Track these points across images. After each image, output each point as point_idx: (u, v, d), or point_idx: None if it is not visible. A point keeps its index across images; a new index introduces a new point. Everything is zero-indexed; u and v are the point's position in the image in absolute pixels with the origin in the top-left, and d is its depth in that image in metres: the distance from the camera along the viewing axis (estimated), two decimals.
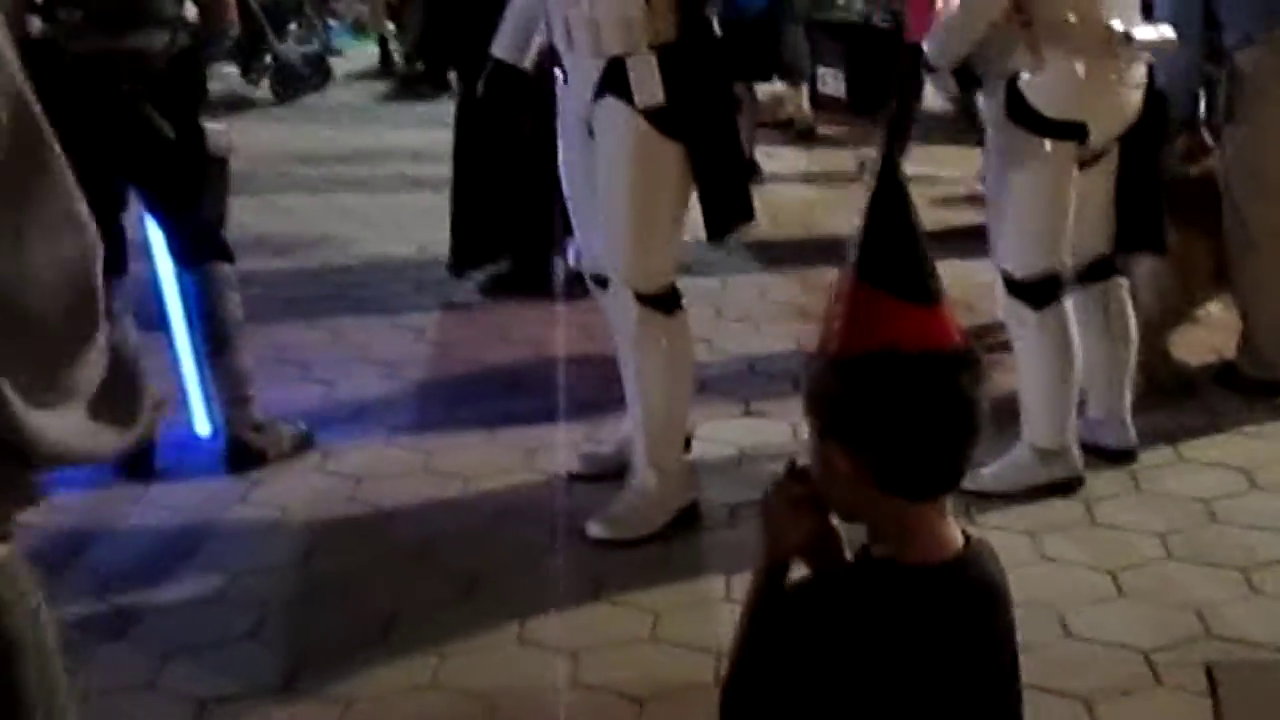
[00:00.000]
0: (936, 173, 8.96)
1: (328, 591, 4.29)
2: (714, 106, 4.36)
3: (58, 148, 1.62)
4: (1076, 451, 4.78)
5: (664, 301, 4.45)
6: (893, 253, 2.03)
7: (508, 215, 6.78)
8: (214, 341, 5.11)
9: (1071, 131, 4.56)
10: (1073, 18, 4.49)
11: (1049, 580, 4.24)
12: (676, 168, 4.32)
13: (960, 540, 2.10)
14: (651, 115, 4.24)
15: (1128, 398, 4.96)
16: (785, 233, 7.95)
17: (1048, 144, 4.57)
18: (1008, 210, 4.68)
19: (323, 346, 6.35)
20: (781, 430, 5.17)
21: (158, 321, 5.18)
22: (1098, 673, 3.76)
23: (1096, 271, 4.90)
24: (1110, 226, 4.88)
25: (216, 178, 5.00)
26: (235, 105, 11.85)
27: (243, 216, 6.50)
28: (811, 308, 6.34)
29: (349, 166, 10.10)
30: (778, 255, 7.50)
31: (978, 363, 2.08)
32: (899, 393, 1.98)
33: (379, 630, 4.03)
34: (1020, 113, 4.56)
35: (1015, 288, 4.69)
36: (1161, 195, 4.91)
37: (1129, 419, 4.96)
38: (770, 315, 6.66)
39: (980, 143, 5.09)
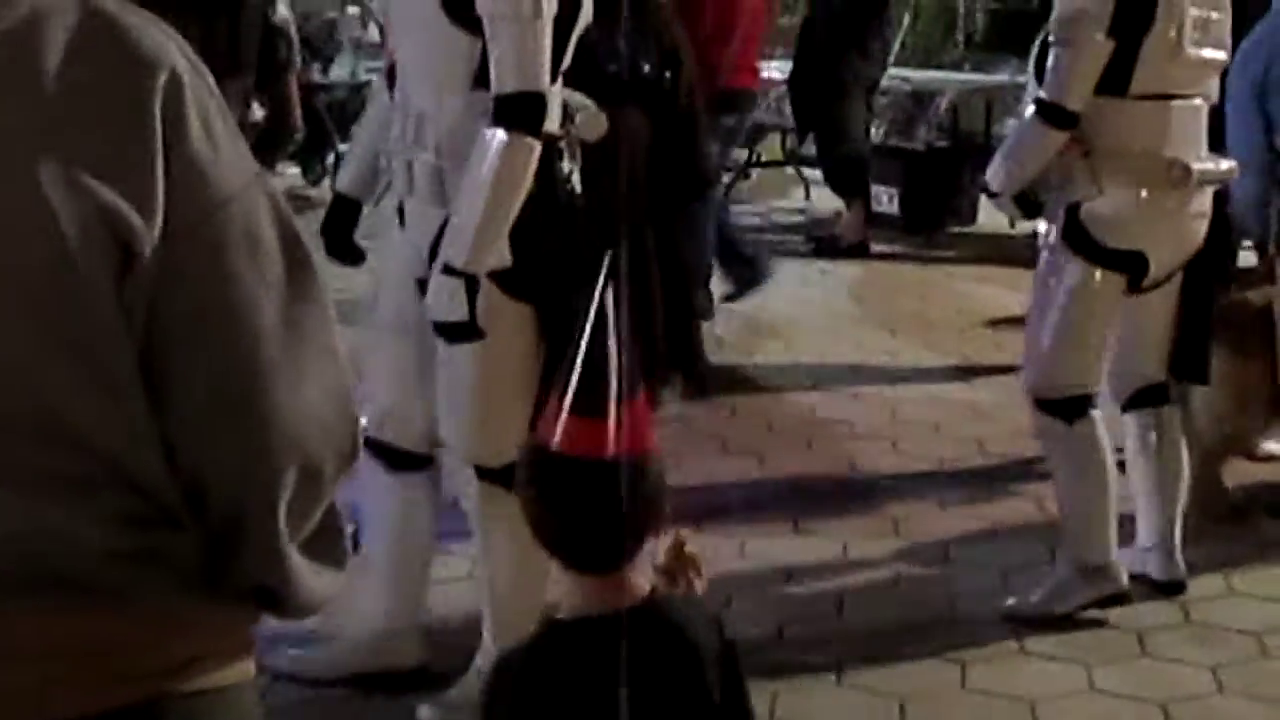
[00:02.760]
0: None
1: None
2: (570, 265, 3.73)
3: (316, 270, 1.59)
4: (1121, 568, 4.73)
5: (508, 476, 3.31)
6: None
7: None
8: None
9: (1130, 262, 4.57)
10: (1136, 147, 4.51)
11: (1098, 712, 4.21)
12: (526, 332, 3.87)
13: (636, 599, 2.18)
14: (497, 276, 3.76)
15: (1178, 528, 4.91)
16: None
17: (1099, 273, 4.57)
18: (1045, 332, 4.68)
19: None
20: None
21: None
22: None
23: (1150, 397, 4.88)
24: (1164, 352, 4.87)
25: None
26: (296, 206, 11.90)
27: None
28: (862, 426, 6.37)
29: None
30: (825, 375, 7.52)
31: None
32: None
33: None
34: (1079, 240, 4.56)
35: (1046, 405, 4.68)
36: (1210, 324, 4.90)
37: (1178, 551, 4.91)
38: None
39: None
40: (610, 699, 2.07)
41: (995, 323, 8.56)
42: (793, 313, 8.34)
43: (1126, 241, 4.56)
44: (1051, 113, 4.50)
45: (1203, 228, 4.69)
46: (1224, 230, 4.80)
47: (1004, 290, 9.31)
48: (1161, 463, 4.89)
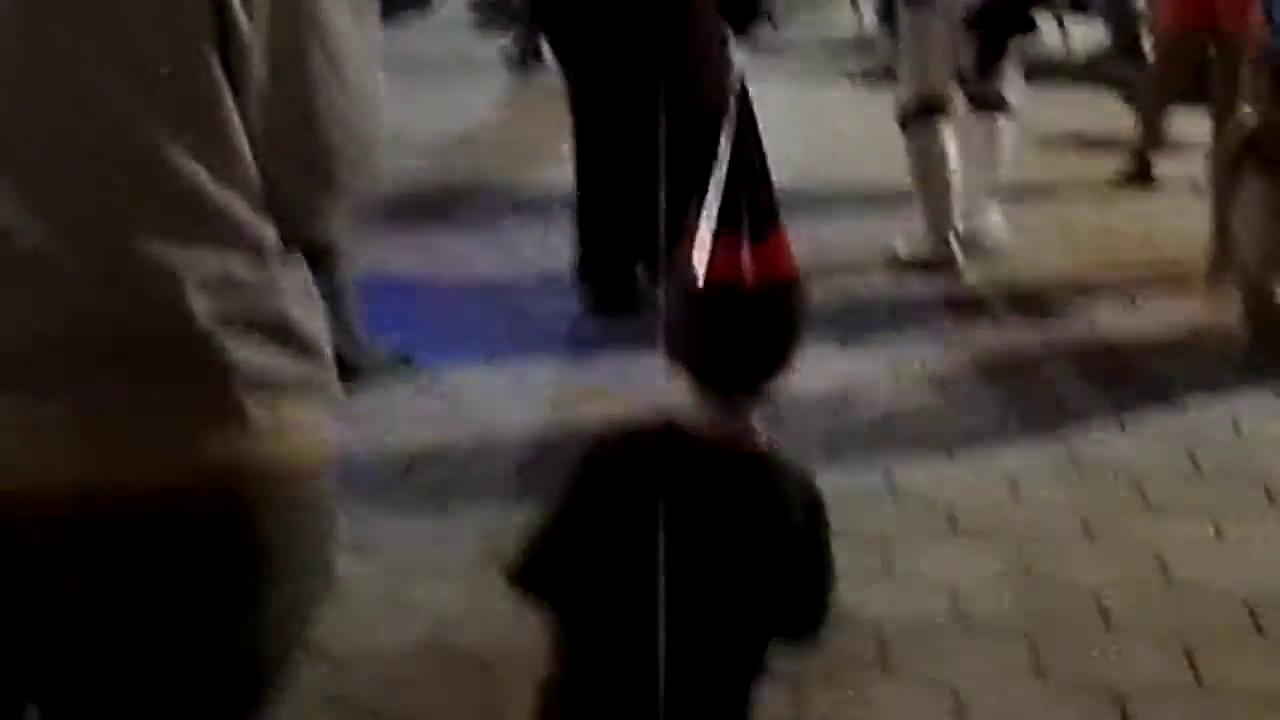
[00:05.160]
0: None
1: (427, 506, 4.31)
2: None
3: None
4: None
5: None
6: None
7: (640, 218, 6.23)
8: (313, 256, 5.11)
9: None
10: None
11: (1151, 525, 4.21)
12: None
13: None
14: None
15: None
16: None
17: None
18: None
19: (420, 264, 6.36)
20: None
21: None
22: (1199, 620, 3.72)
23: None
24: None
25: None
26: None
27: None
28: None
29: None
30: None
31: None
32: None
33: (475, 547, 4.04)
34: None
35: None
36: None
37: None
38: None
39: None
40: (701, 529, 2.12)
41: (1047, 142, 8.45)
42: (840, 136, 8.22)
43: None
44: None
45: None
46: None
47: (1055, 109, 9.19)
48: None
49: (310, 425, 1.69)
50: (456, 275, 6.28)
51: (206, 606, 1.65)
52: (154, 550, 1.59)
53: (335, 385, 1.74)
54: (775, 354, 2.15)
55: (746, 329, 2.10)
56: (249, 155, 1.61)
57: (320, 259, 4.83)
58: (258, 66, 1.59)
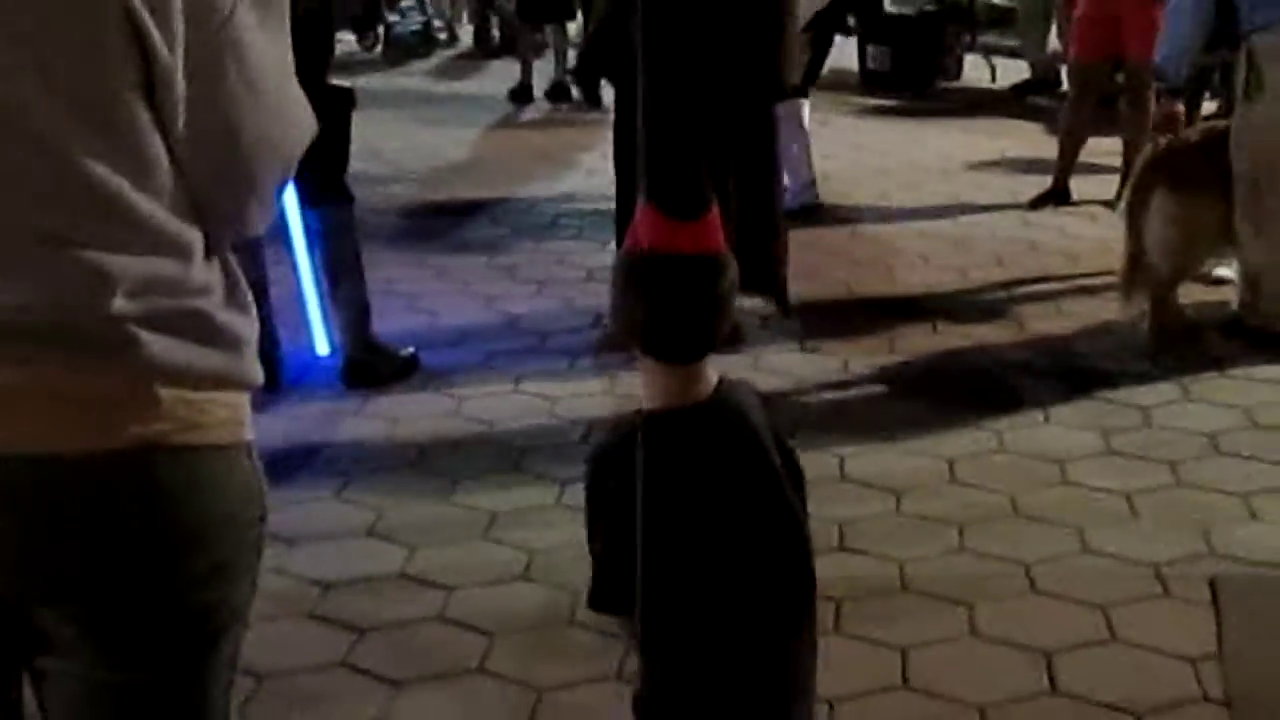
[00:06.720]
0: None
1: (436, 493, 4.31)
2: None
3: None
4: None
5: None
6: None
7: None
8: (334, 274, 5.13)
9: None
10: None
11: (1071, 501, 4.23)
12: None
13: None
14: None
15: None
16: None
17: None
18: None
19: (427, 280, 6.37)
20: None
21: (285, 255, 5.20)
22: (1113, 584, 3.75)
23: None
24: None
25: (341, 127, 4.98)
26: (350, 67, 11.84)
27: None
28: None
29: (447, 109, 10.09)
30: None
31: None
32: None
33: (482, 528, 4.06)
34: None
35: None
36: None
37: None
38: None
39: None
40: (697, 474, 2.09)
41: (976, 166, 8.51)
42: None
43: None
44: None
45: None
46: None
47: (985, 138, 9.28)
48: None
49: (223, 408, 1.67)
50: (457, 289, 6.28)
51: (122, 560, 1.63)
52: (70, 500, 1.58)
53: (253, 373, 1.71)
54: (710, 315, 2.10)
55: (684, 291, 2.06)
56: (168, 166, 1.59)
57: (340, 275, 4.83)
58: (179, 87, 1.56)
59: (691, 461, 2.09)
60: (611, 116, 5.84)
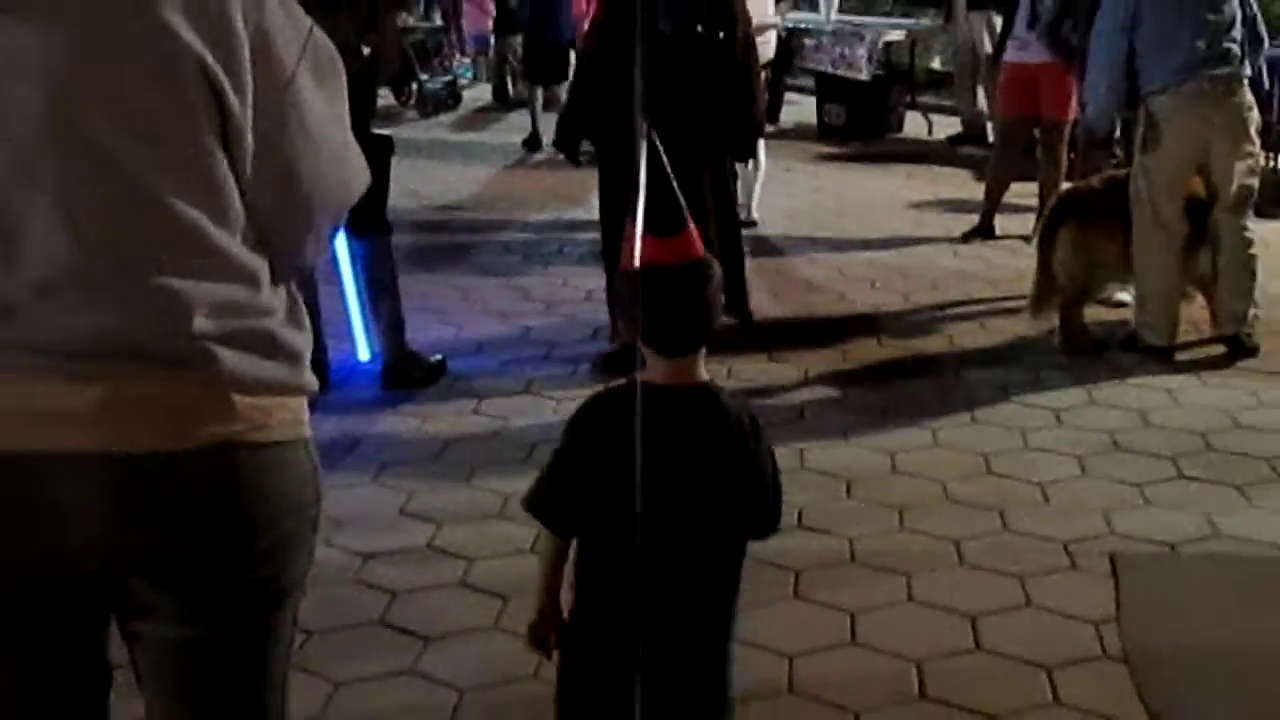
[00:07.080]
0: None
1: (459, 478, 4.30)
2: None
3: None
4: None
5: None
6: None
7: None
8: (374, 292, 5.13)
9: None
10: None
11: (995, 489, 4.23)
12: None
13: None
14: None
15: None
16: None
17: None
18: None
19: (453, 299, 6.36)
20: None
21: (333, 277, 5.20)
22: (1029, 559, 3.76)
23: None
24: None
25: (382, 169, 4.97)
26: (389, 118, 11.82)
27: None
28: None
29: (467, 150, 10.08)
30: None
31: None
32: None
33: (497, 508, 4.05)
34: None
35: None
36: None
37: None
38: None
39: None
40: (677, 447, 2.11)
41: (916, 205, 8.51)
42: (763, 198, 8.23)
43: None
44: None
45: None
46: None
47: (924, 182, 9.28)
48: None
49: (286, 410, 1.68)
50: (478, 307, 6.27)
51: (206, 537, 1.63)
52: (162, 489, 1.59)
53: (310, 381, 1.72)
54: (700, 312, 2.13)
55: (676, 294, 2.09)
56: (240, 205, 1.60)
57: (380, 294, 4.80)
58: (249, 138, 1.58)
59: (683, 424, 2.14)
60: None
